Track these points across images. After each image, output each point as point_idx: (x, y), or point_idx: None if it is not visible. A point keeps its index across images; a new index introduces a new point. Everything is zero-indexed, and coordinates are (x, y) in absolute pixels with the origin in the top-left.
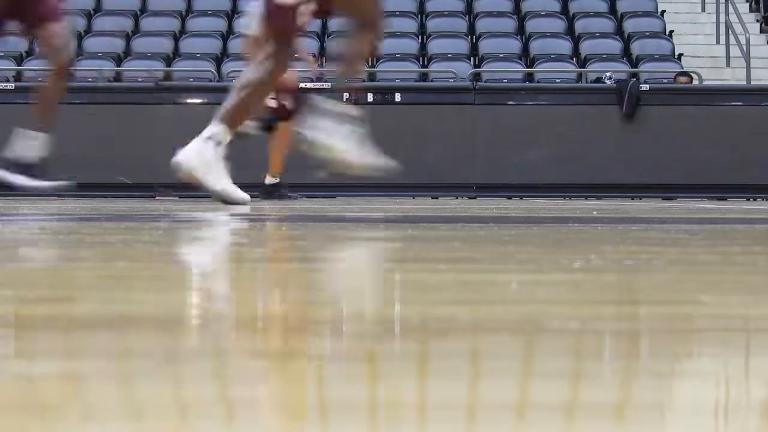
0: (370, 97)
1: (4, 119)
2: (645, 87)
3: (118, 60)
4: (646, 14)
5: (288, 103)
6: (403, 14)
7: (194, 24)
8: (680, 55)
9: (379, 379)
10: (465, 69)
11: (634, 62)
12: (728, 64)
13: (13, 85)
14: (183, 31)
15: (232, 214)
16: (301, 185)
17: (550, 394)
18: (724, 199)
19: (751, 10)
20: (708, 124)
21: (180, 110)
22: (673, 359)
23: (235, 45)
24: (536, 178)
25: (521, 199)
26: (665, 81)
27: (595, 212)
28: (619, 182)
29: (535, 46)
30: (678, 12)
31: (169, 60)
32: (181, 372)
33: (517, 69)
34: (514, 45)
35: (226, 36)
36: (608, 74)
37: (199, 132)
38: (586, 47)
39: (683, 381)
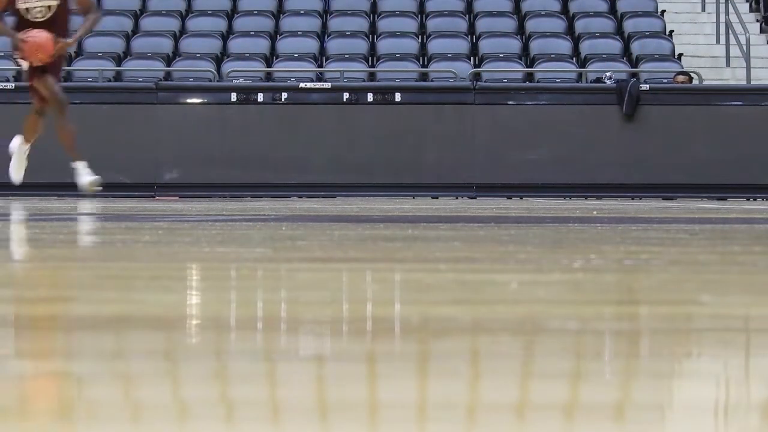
0: (370, 97)
1: (4, 119)
2: (645, 87)
3: (118, 60)
4: (646, 14)
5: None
6: (403, 14)
7: (194, 24)
8: (680, 55)
9: (379, 379)
10: (465, 69)
11: (634, 62)
12: (728, 64)
13: (13, 85)
14: (183, 31)
15: (230, 214)
16: (301, 185)
17: (550, 394)
18: (724, 199)
19: (751, 10)
20: (708, 124)
21: (180, 110)
22: (673, 359)
23: (235, 45)
24: (536, 178)
25: (521, 199)
26: (665, 81)
27: (595, 212)
28: (619, 182)
29: (535, 46)
30: (678, 12)
31: (169, 60)
32: (181, 372)
33: (517, 69)
34: (514, 45)
35: (226, 36)
36: (608, 74)
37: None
38: (586, 47)
39: (683, 381)
